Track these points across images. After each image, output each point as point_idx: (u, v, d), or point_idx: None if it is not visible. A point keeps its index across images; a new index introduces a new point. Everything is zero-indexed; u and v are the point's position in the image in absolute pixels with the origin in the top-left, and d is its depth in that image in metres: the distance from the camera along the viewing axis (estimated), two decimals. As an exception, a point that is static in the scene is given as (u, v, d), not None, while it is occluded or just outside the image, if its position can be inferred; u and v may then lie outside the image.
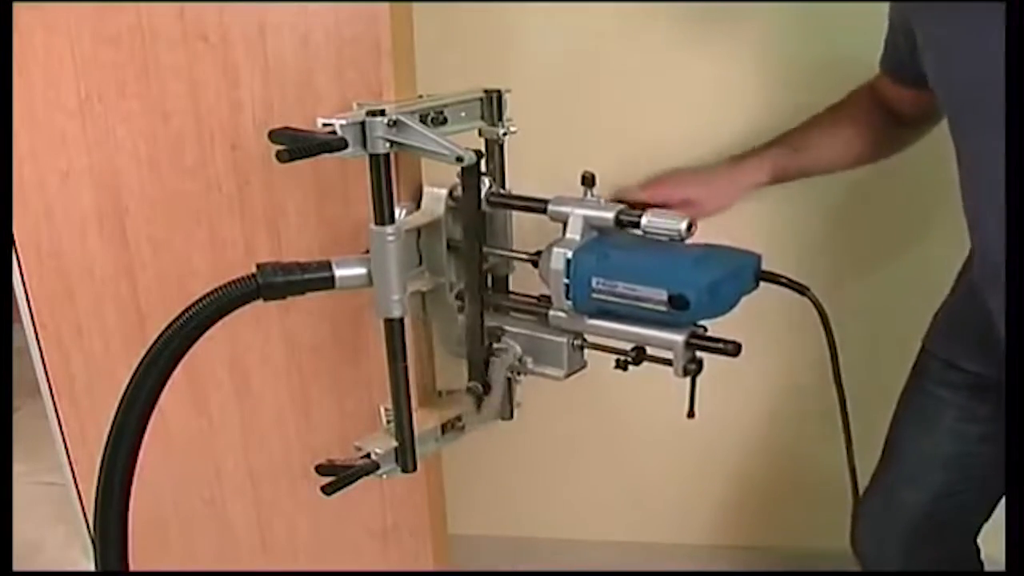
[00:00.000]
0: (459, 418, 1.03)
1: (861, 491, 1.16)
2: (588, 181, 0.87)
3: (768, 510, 1.70)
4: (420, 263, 0.96)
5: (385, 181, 0.85)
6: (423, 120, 0.90)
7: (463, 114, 0.96)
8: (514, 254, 0.96)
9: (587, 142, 1.47)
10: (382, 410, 0.98)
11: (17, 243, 1.36)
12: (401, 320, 0.90)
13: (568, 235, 0.86)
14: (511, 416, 1.05)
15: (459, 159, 0.83)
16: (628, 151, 1.48)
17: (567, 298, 0.86)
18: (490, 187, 0.94)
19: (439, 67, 1.15)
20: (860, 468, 1.14)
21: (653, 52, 1.40)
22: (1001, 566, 1.28)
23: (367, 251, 0.88)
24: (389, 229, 0.86)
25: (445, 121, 0.93)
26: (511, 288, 1.04)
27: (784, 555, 1.67)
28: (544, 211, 0.89)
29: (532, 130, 1.04)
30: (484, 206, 0.93)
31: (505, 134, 0.98)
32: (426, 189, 0.96)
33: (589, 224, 0.86)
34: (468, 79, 0.98)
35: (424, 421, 1.00)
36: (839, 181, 1.25)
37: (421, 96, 1.02)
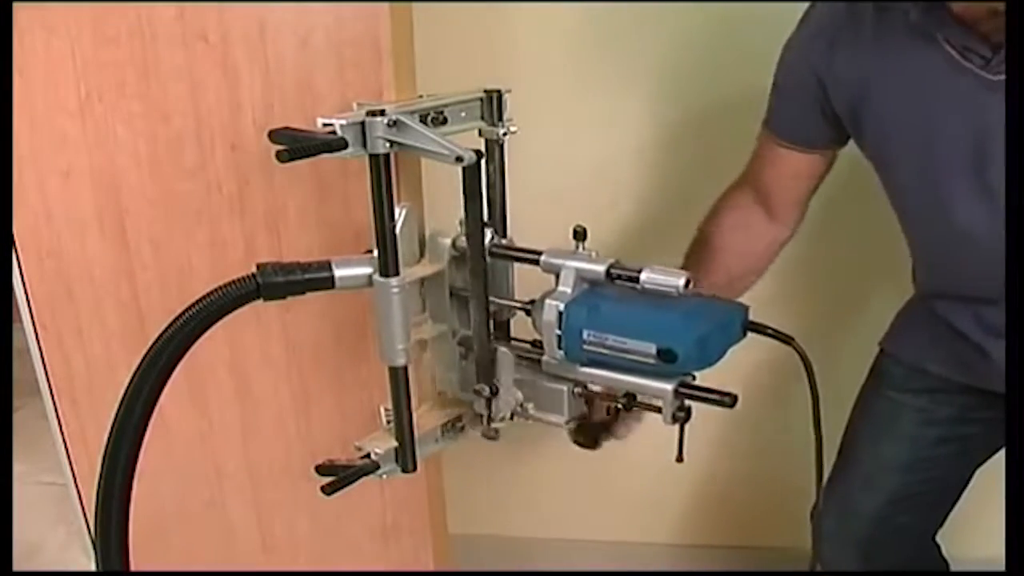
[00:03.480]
0: (459, 418, 1.03)
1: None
2: (580, 235, 0.88)
3: (768, 510, 1.70)
4: (423, 310, 0.97)
5: (385, 181, 0.85)
6: (423, 120, 0.90)
7: (463, 114, 0.96)
8: (509, 303, 0.97)
9: (587, 141, 1.48)
10: (382, 410, 0.98)
11: (17, 243, 1.36)
12: (405, 368, 0.91)
13: (560, 287, 0.87)
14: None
15: (459, 159, 0.83)
16: (627, 149, 1.48)
17: (559, 348, 0.87)
18: (492, 238, 0.95)
19: (439, 67, 1.15)
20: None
21: (652, 51, 1.41)
22: (966, 565, 1.30)
23: (367, 251, 0.88)
24: (394, 281, 0.87)
25: (445, 121, 0.93)
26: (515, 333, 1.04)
27: (783, 555, 1.67)
28: (538, 263, 0.90)
29: (532, 130, 1.04)
30: (486, 256, 0.94)
31: (505, 134, 0.98)
32: (430, 238, 0.97)
33: (581, 277, 0.87)
34: (468, 79, 0.98)
35: (424, 421, 1.00)
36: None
37: (421, 96, 1.02)
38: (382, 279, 0.87)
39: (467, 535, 1.71)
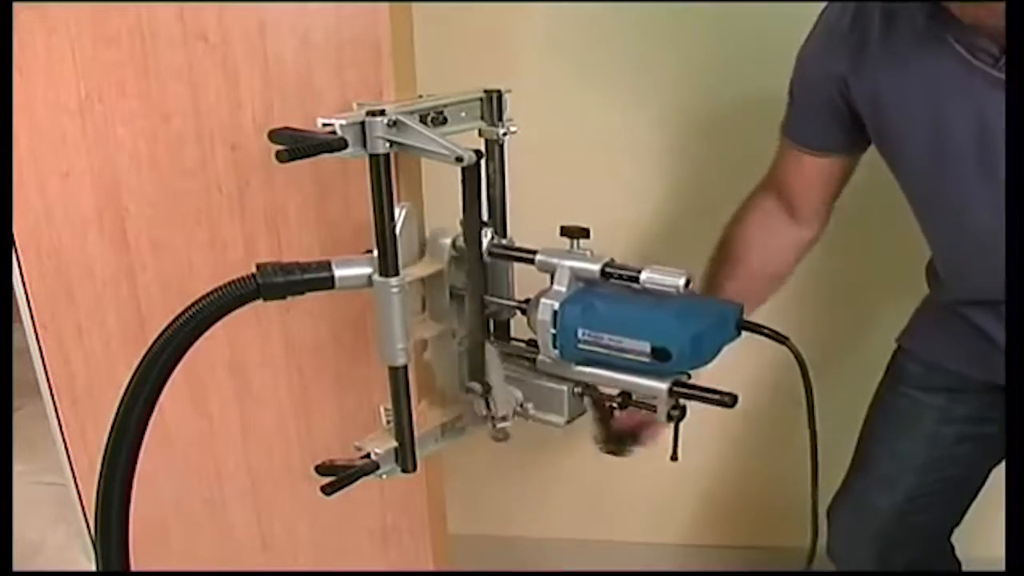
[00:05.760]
0: (459, 418, 1.03)
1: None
2: (574, 234, 0.88)
3: (770, 510, 1.70)
4: (423, 310, 0.97)
5: (385, 181, 0.85)
6: (423, 120, 0.90)
7: (463, 114, 0.96)
8: (505, 302, 0.97)
9: (587, 141, 1.48)
10: (382, 410, 0.98)
11: (17, 243, 1.36)
12: (405, 368, 0.91)
13: (555, 286, 0.87)
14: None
15: (459, 159, 0.83)
16: (628, 149, 1.48)
17: (554, 347, 0.87)
18: (492, 239, 0.94)
19: (439, 67, 1.15)
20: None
21: (654, 51, 1.41)
22: (967, 564, 1.29)
23: (367, 251, 0.88)
24: (394, 281, 0.86)
25: (445, 121, 0.93)
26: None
27: (784, 555, 1.67)
28: (533, 262, 0.90)
29: (532, 130, 1.04)
30: (484, 257, 0.94)
31: (505, 134, 0.98)
32: (430, 237, 0.97)
33: (576, 276, 0.87)
34: (468, 79, 0.98)
35: (424, 421, 1.00)
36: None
37: (421, 96, 1.02)
38: (382, 279, 0.87)
39: (467, 535, 1.70)
